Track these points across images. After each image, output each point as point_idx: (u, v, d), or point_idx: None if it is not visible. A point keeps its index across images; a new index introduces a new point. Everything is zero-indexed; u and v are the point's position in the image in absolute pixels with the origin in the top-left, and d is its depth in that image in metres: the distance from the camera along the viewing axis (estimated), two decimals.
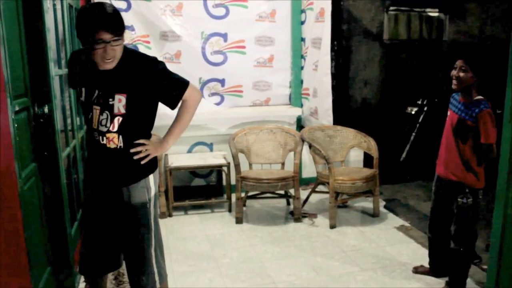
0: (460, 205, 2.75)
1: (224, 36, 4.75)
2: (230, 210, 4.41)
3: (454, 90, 2.76)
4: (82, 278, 2.98)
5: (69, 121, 3.08)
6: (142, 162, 2.13)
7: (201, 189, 4.79)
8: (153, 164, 2.21)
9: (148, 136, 2.18)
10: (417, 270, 3.19)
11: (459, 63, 2.69)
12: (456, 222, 2.82)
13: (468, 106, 2.69)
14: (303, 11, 4.92)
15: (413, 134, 5.17)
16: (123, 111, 2.03)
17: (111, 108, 2.02)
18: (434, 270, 3.13)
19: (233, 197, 4.33)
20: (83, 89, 2.05)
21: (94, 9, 1.87)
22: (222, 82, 4.85)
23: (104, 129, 2.04)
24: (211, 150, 4.86)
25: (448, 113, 2.85)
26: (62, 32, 2.98)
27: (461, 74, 2.67)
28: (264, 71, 4.95)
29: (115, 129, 2.05)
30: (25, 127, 2.16)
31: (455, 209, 2.81)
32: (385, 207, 4.48)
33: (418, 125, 5.19)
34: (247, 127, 4.64)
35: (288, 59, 5.02)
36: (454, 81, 2.71)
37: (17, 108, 1.99)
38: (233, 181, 4.34)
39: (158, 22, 4.49)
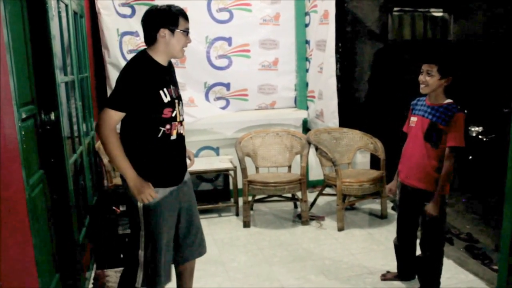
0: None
1: (229, 40, 4.76)
2: (237, 214, 4.41)
3: (421, 94, 2.69)
4: (91, 284, 2.98)
5: (75, 127, 3.09)
6: None
7: (208, 194, 4.80)
8: None
9: None
10: (386, 277, 3.11)
11: (424, 67, 2.60)
12: (423, 228, 2.74)
13: (438, 110, 2.61)
14: (307, 13, 4.92)
15: None
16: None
17: (180, 97, 2.33)
18: (401, 274, 3.06)
19: (240, 201, 4.33)
20: (168, 89, 2.21)
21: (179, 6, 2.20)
22: (227, 86, 4.86)
23: (182, 119, 2.31)
24: (218, 154, 4.87)
25: (415, 118, 2.74)
26: (67, 39, 3.00)
27: (427, 78, 2.59)
28: (269, 74, 4.95)
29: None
30: (32, 134, 2.17)
31: (421, 216, 2.72)
32: (393, 208, 4.45)
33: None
34: (253, 130, 4.64)
35: (293, 62, 5.02)
36: (421, 85, 2.63)
37: (23, 116, 1.99)
38: (240, 185, 4.34)
39: None
